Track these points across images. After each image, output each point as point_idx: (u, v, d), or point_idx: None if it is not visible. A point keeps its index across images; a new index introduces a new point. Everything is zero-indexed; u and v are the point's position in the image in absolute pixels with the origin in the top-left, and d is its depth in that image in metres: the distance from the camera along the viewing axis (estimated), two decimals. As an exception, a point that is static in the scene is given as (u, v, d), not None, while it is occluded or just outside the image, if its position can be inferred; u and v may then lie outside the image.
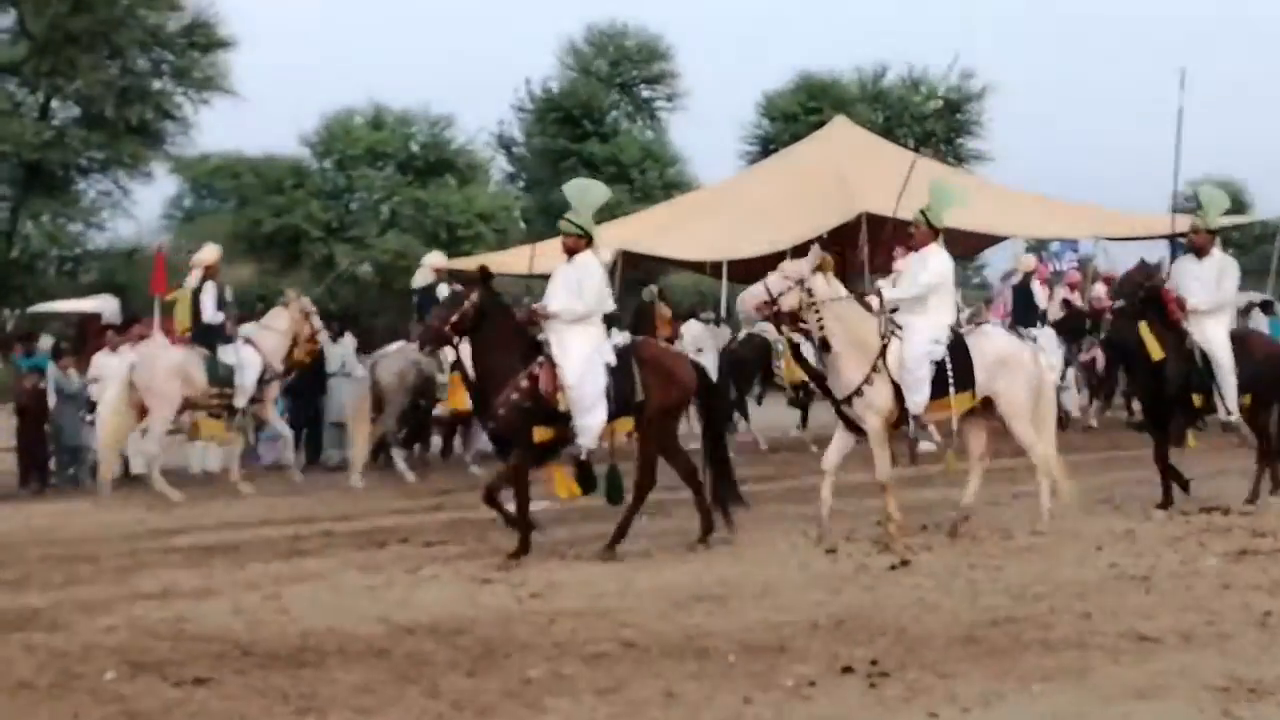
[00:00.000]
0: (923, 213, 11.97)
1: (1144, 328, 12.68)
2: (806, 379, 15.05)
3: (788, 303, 11.46)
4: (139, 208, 42.77)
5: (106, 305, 16.73)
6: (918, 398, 11.43)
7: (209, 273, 16.30)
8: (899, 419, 11.49)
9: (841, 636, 8.11)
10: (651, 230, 23.77)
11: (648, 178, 44.73)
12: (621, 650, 7.93)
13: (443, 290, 17.42)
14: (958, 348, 11.58)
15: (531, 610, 9.04)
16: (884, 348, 11.46)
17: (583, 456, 11.08)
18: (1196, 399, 12.68)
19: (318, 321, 17.38)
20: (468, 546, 11.44)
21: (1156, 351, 12.60)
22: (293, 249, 41.29)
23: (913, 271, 11.91)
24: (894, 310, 11.70)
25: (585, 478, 11.24)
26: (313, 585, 10.06)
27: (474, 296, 11.07)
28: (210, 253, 16.44)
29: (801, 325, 11.66)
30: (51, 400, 16.94)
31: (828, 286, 11.54)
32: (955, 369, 11.52)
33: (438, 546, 11.45)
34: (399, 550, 11.48)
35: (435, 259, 19.11)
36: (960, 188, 13.04)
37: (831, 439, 11.77)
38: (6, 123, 34.84)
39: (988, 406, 11.72)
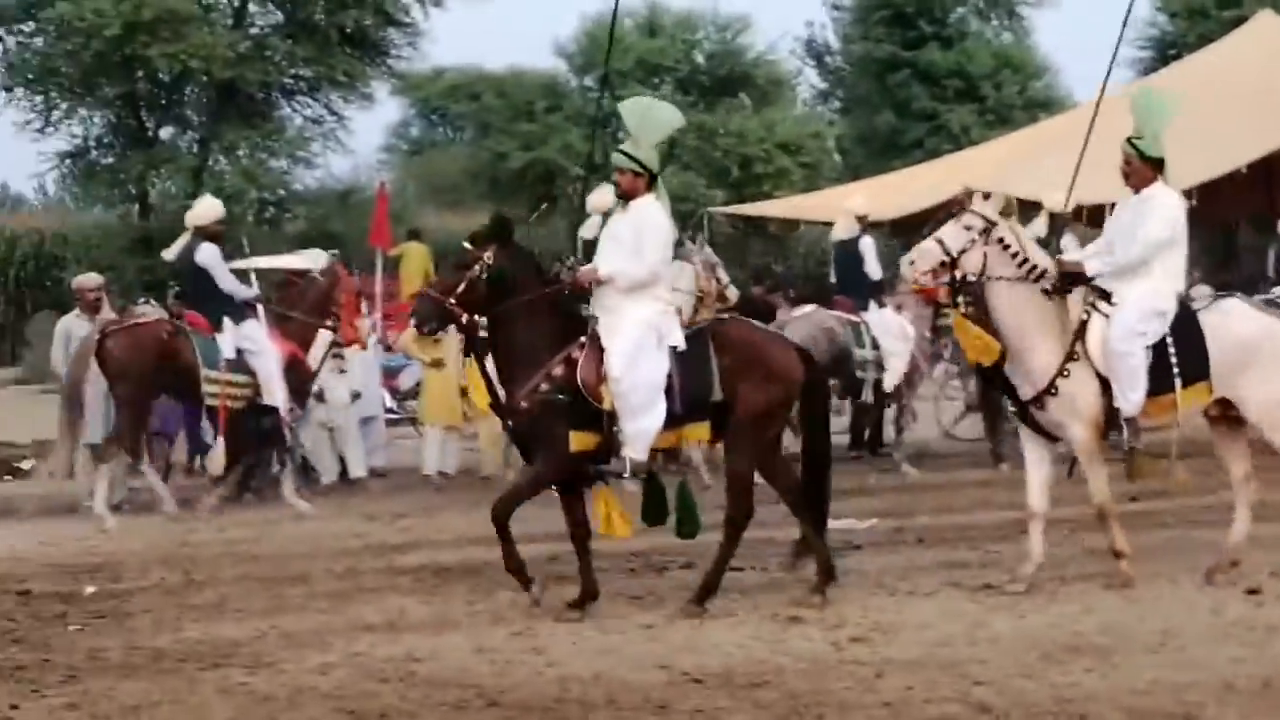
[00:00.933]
0: (1130, 141, 11.24)
1: None
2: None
3: (971, 263, 10.92)
4: (355, 138, 44.00)
5: (316, 261, 17.12)
6: (1133, 394, 10.87)
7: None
8: (1106, 423, 11.00)
9: (1267, 703, 7.92)
10: (1015, 162, 23.45)
11: (1004, 94, 44.17)
12: (971, 714, 7.89)
13: (867, 245, 17.56)
14: (1186, 324, 10.99)
15: (852, 659, 9.07)
16: (1083, 325, 10.94)
17: (627, 473, 10.74)
18: None
19: (724, 274, 17.80)
20: (770, 575, 11.52)
21: None
22: (545, 189, 42.01)
23: (1126, 226, 11.21)
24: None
25: (654, 504, 10.88)
26: (573, 621, 10.28)
27: (488, 257, 10.55)
28: None
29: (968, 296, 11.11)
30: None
31: (1014, 235, 11.09)
32: (1181, 353, 10.92)
33: (731, 574, 11.55)
34: (682, 578, 11.61)
35: (858, 204, 18.71)
36: (1174, 95, 12.16)
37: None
38: (194, 32, 36.19)
39: (1229, 410, 11.10)
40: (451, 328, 11.15)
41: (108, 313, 16.93)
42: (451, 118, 48.97)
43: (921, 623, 9.96)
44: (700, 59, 44.76)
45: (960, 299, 11.15)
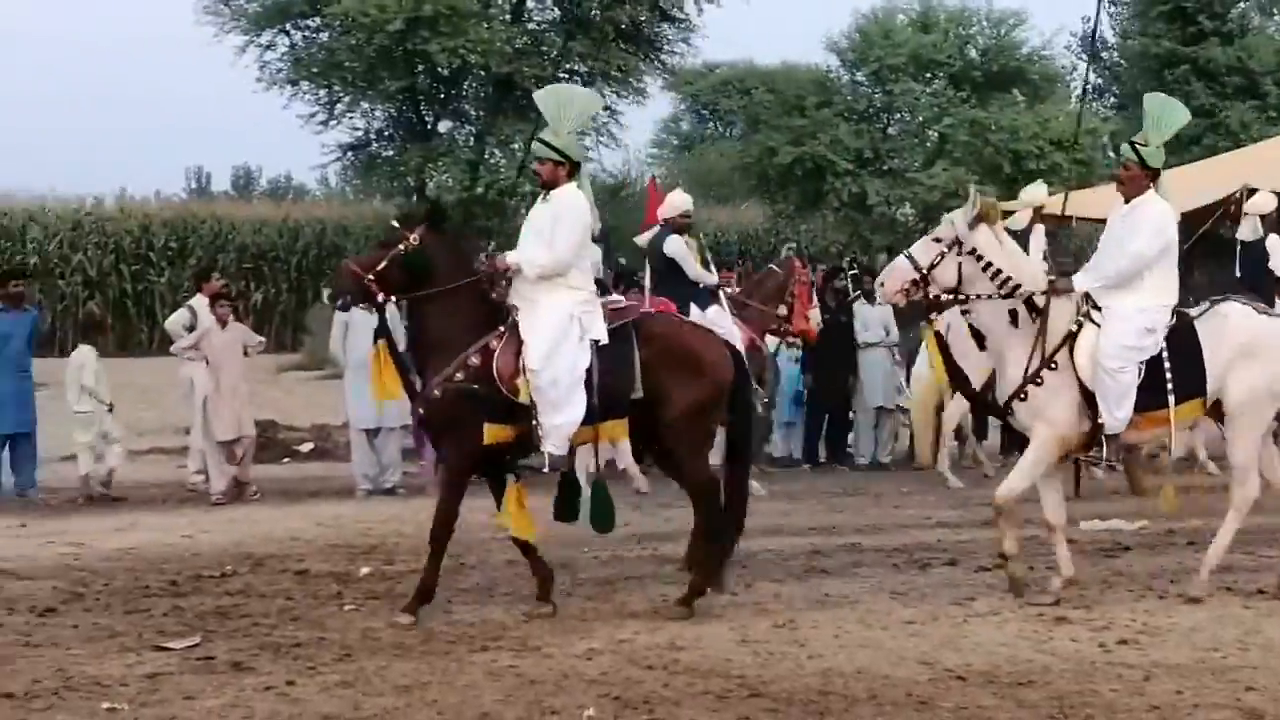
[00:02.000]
0: (1133, 144, 10.85)
1: None
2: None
3: (944, 277, 10.55)
4: (627, 133, 44.36)
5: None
6: (1119, 412, 10.44)
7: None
8: (1088, 439, 10.60)
9: None
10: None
11: (1290, 91, 42.94)
12: (1243, 722, 7.74)
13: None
14: (1182, 338, 10.59)
15: (1120, 661, 8.94)
16: (1073, 335, 10.56)
17: (545, 468, 10.35)
18: None
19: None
20: (1036, 573, 11.36)
21: None
22: (814, 184, 41.93)
23: (1116, 237, 10.81)
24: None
25: (567, 501, 10.61)
26: (836, 614, 10.28)
27: (413, 239, 10.34)
28: None
29: (962, 309, 10.79)
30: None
31: (995, 243, 10.68)
32: (1177, 369, 10.53)
33: (996, 572, 11.42)
34: (946, 575, 11.57)
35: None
36: (1182, 106, 11.40)
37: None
38: (473, 27, 36.75)
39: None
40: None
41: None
42: (722, 113, 49.18)
43: (1191, 626, 9.78)
44: (974, 54, 44.17)
45: (934, 315, 11.09)
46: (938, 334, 11.47)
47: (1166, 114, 11.02)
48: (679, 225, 16.64)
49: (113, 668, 8.96)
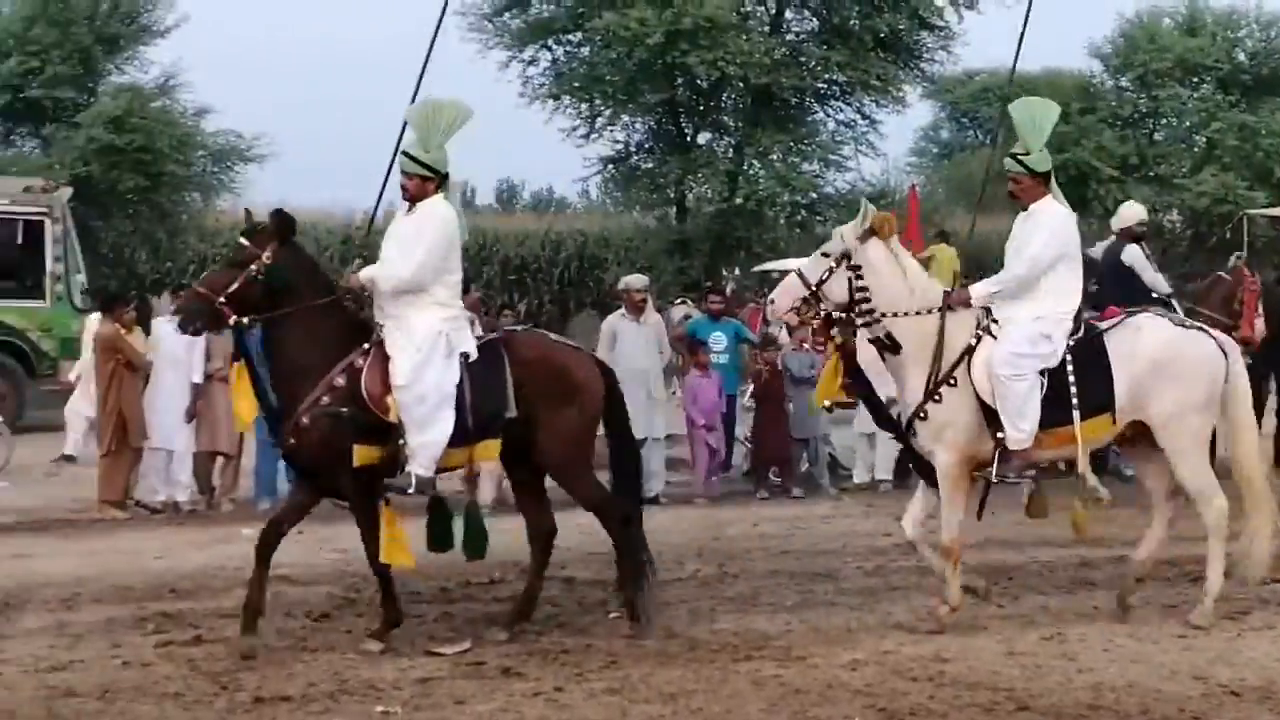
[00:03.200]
0: (1014, 156, 10.47)
1: None
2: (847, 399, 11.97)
3: (835, 292, 10.21)
4: (886, 142, 44.13)
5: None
6: (1022, 424, 10.01)
7: None
8: (993, 455, 10.13)
9: None
10: None
11: None
12: None
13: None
14: (1088, 349, 10.18)
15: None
16: (971, 349, 10.17)
17: (411, 489, 9.88)
18: None
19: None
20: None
21: None
22: (1077, 192, 41.26)
23: (1017, 242, 10.48)
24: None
25: (439, 528, 10.21)
26: (1105, 627, 10.13)
27: (266, 256, 9.81)
28: None
29: (856, 324, 10.30)
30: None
31: (889, 257, 10.29)
32: (1082, 381, 10.08)
33: (1274, 587, 11.11)
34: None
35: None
36: (1051, 105, 11.03)
37: None
38: (732, 39, 36.85)
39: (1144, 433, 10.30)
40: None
41: (651, 313, 17.49)
42: (982, 120, 48.56)
43: None
44: (1242, 57, 43.17)
45: (834, 332, 10.51)
46: (840, 347, 10.68)
47: (1038, 117, 10.64)
48: (1134, 234, 16.98)
49: (386, 672, 9.17)
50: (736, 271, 38.02)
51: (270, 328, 9.89)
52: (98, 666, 9.21)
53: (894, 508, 15.55)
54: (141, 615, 10.84)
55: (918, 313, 10.20)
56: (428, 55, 15.13)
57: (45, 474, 18.97)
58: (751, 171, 39.27)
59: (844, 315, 10.28)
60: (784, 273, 17.50)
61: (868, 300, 10.18)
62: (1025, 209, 10.48)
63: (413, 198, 10.11)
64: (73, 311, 24.22)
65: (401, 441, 9.73)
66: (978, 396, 10.09)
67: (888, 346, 10.26)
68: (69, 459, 19.65)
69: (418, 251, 9.90)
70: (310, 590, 11.61)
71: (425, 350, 9.78)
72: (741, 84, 38.02)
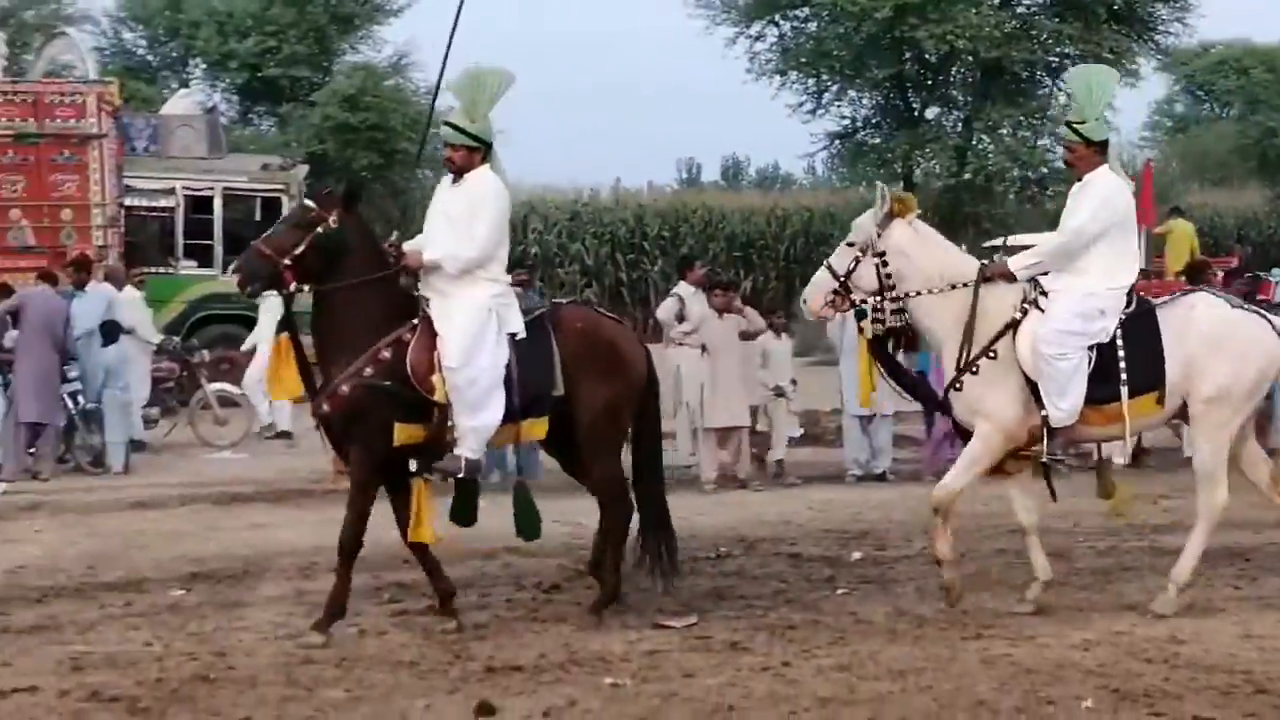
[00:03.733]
0: (1070, 125, 10.12)
1: None
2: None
3: (865, 281, 10.05)
4: (1119, 116, 43.35)
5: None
6: (1063, 403, 9.68)
7: None
8: (1040, 433, 9.79)
9: None
10: None
11: None
12: None
13: None
14: (1141, 325, 9.79)
15: None
16: (1015, 323, 9.84)
17: (461, 472, 9.62)
18: None
19: None
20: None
21: None
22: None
23: (1067, 211, 10.16)
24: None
25: (465, 504, 9.92)
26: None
27: (331, 220, 9.51)
28: None
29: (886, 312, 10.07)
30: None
31: (914, 237, 10.03)
32: (1132, 358, 9.71)
33: None
34: None
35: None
36: (1111, 72, 10.60)
37: None
38: (962, 13, 36.46)
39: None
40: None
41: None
42: (1218, 93, 47.54)
43: None
44: None
45: (865, 323, 10.22)
46: (871, 341, 10.38)
47: (1095, 84, 10.27)
48: None
49: (615, 644, 9.23)
50: (962, 248, 37.63)
51: (322, 298, 9.56)
52: (335, 634, 9.38)
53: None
54: (376, 585, 11.04)
55: (952, 287, 10.01)
56: (452, 31, 15.03)
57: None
58: (980, 146, 38.92)
59: (876, 303, 10.10)
60: (1012, 249, 17.36)
61: (894, 286, 10.05)
62: (1080, 178, 10.21)
63: (459, 170, 9.79)
64: (308, 287, 24.66)
65: (451, 424, 9.48)
66: (1022, 372, 9.85)
67: (903, 343, 10.22)
68: (284, 435, 20.00)
69: (479, 229, 9.62)
70: (541, 562, 11.72)
71: (477, 331, 9.48)
72: (971, 58, 37.66)
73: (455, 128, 9.83)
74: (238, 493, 16.04)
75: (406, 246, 9.73)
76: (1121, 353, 9.77)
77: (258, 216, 25.29)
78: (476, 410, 9.46)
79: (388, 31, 39.73)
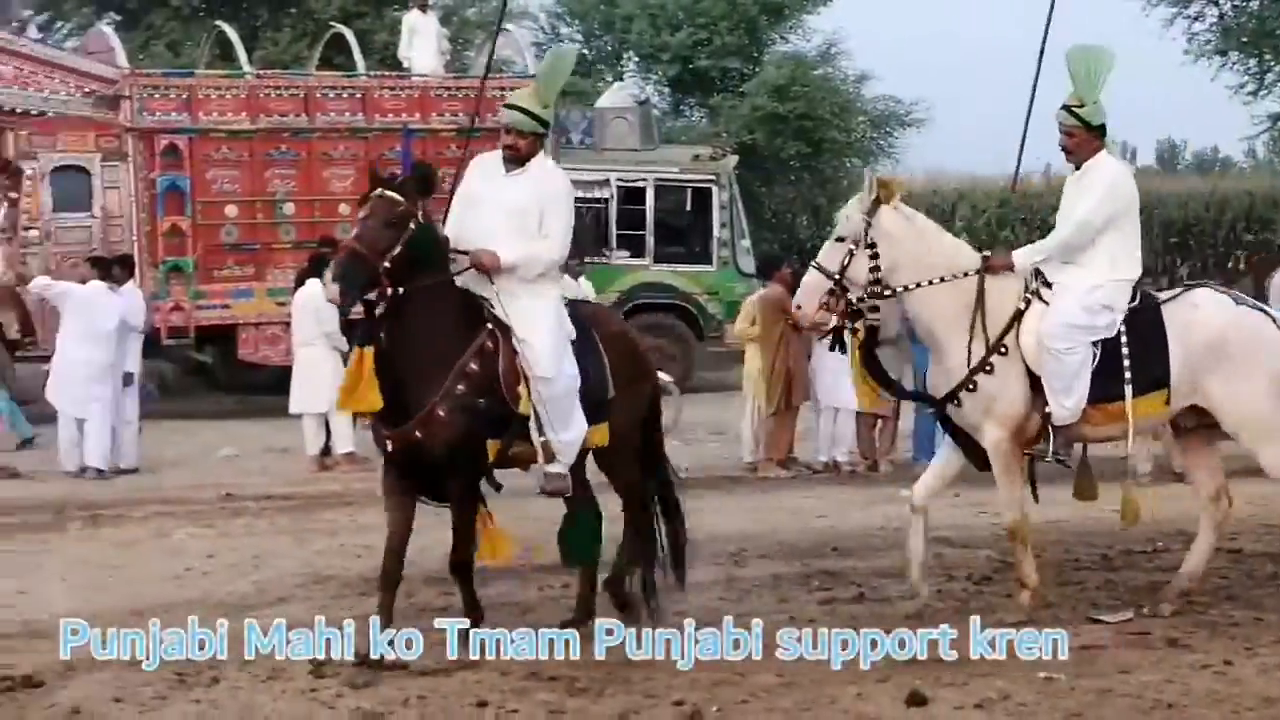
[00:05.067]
0: (1067, 109, 9.51)
1: None
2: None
3: (860, 276, 9.38)
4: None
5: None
6: (1067, 400, 9.21)
7: None
8: (1038, 432, 9.35)
9: None
10: None
11: None
12: None
13: None
14: (1146, 321, 9.29)
15: None
16: (1019, 315, 9.31)
17: (569, 491, 9.11)
18: None
19: None
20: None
21: None
22: None
23: (1070, 203, 9.59)
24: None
25: (582, 537, 9.42)
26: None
27: (420, 216, 8.62)
28: None
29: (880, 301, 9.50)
30: None
31: (904, 223, 9.51)
32: (1136, 353, 9.19)
33: None
34: None
35: None
36: (1109, 52, 9.75)
37: None
38: None
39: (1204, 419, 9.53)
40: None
41: None
42: None
43: None
44: None
45: (857, 324, 9.50)
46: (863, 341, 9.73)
47: (1093, 65, 9.55)
48: None
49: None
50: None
51: (399, 301, 8.60)
52: (766, 621, 9.42)
53: None
54: (806, 572, 11.10)
55: (953, 277, 9.45)
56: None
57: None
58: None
59: (871, 299, 9.51)
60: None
61: (879, 280, 9.44)
62: (1078, 166, 9.64)
63: (523, 158, 8.98)
64: (738, 276, 24.96)
65: (543, 437, 8.79)
66: (1026, 366, 9.35)
67: (874, 340, 9.67)
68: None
69: (555, 228, 8.94)
70: (970, 553, 11.63)
71: (561, 336, 8.93)
72: None
73: (525, 112, 9.03)
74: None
75: (474, 247, 8.85)
76: (1126, 349, 9.34)
77: (688, 207, 25.69)
78: (567, 421, 8.86)
79: (816, 21, 39.81)
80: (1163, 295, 9.77)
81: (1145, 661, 8.57)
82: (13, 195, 20.94)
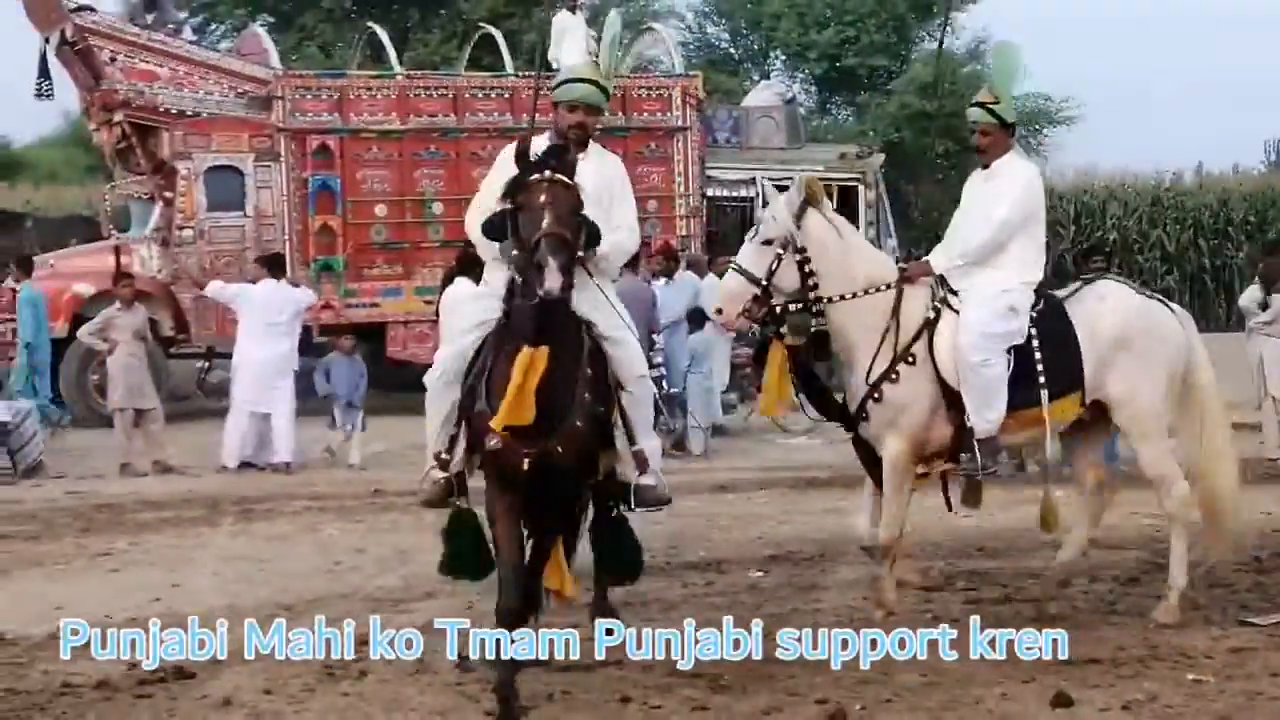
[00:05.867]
0: (981, 105, 9.35)
1: None
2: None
3: (787, 282, 8.99)
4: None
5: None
6: (989, 413, 8.90)
7: None
8: (954, 445, 9.02)
9: None
10: None
11: None
12: None
13: None
14: (1053, 321, 9.07)
15: None
16: (930, 324, 8.97)
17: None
18: None
19: None
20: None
21: None
22: None
23: (977, 207, 9.33)
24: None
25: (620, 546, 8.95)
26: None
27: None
28: None
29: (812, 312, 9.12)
30: None
31: (829, 229, 9.20)
32: (1048, 356, 8.95)
33: None
34: None
35: None
36: (1020, 50, 9.67)
37: None
38: None
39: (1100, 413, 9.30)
40: None
41: None
42: None
43: None
44: None
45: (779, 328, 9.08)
46: (789, 346, 9.27)
47: (1008, 62, 9.50)
48: None
49: (1197, 640, 9.03)
50: None
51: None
52: (909, 622, 9.36)
53: None
54: (950, 572, 11.04)
55: (877, 290, 9.11)
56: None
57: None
58: None
59: (799, 306, 9.12)
60: None
61: (816, 286, 9.07)
62: (986, 166, 9.47)
63: (588, 137, 8.61)
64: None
65: (635, 447, 8.24)
66: (939, 377, 8.99)
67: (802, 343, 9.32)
68: None
69: (628, 218, 8.59)
70: (1118, 554, 11.50)
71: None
72: None
73: (587, 82, 8.68)
74: (814, 477, 16.26)
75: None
76: (1038, 354, 9.08)
77: (834, 205, 25.58)
78: (649, 428, 8.38)
79: (965, 18, 39.57)
80: (1062, 293, 9.54)
81: (1297, 665, 8.45)
82: (168, 195, 21.34)
